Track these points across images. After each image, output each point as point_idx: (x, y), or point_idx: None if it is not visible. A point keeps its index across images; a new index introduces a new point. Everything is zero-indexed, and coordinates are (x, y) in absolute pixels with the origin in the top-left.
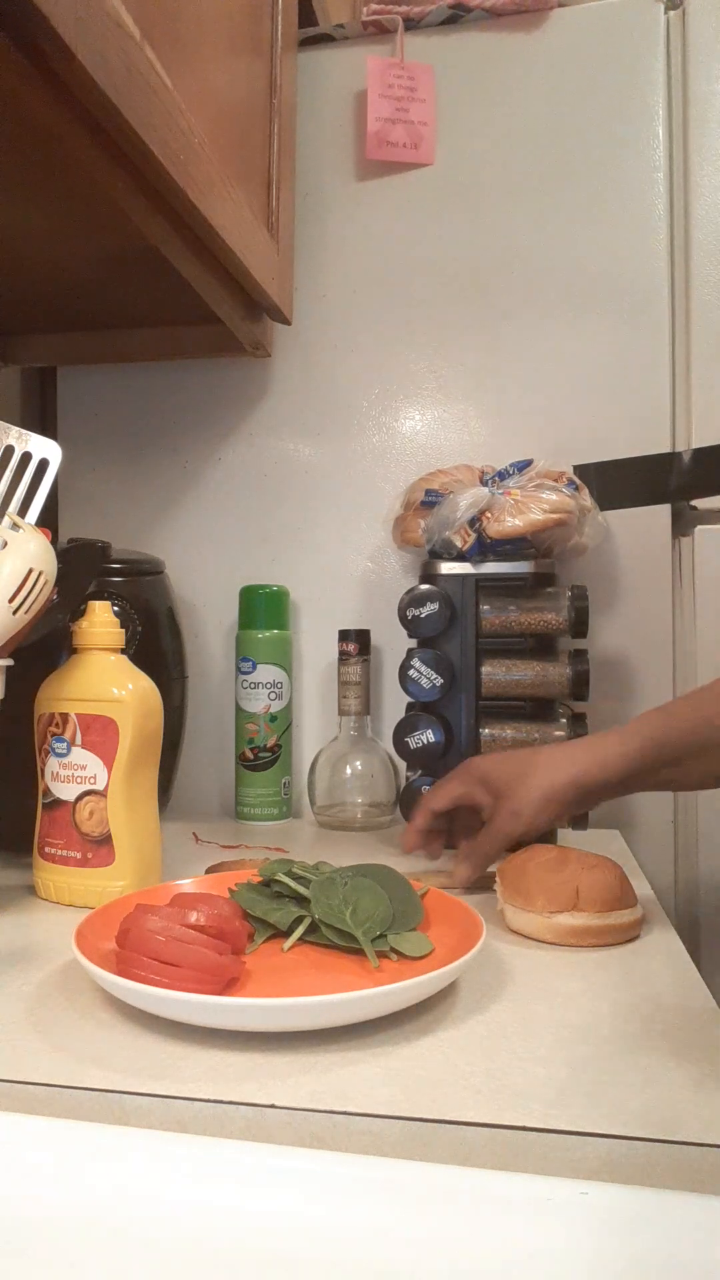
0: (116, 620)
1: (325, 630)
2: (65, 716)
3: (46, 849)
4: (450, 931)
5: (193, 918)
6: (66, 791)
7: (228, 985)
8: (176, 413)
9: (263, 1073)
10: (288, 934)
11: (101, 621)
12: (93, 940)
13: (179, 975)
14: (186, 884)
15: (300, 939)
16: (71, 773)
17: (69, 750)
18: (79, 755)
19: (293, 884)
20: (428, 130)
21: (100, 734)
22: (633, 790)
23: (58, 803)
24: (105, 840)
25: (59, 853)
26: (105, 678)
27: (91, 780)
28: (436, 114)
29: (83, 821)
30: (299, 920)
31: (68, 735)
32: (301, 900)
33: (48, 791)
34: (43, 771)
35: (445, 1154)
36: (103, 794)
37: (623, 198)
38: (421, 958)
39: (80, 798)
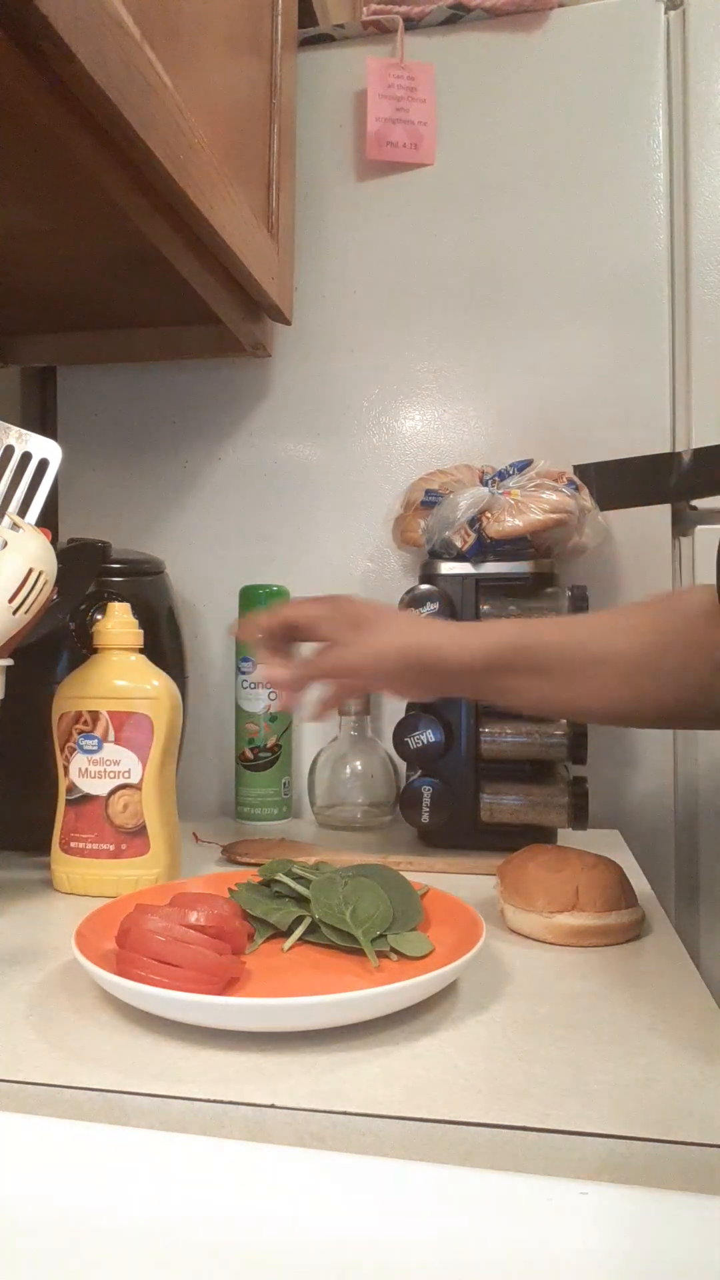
0: (135, 621)
1: None
2: (95, 714)
3: (73, 844)
4: (450, 931)
5: (193, 918)
6: (98, 787)
7: (227, 985)
8: (176, 413)
9: (263, 1073)
10: (288, 934)
11: (123, 622)
12: (93, 940)
13: (179, 975)
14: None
15: (300, 939)
16: (103, 768)
17: (100, 746)
18: (112, 751)
19: (293, 884)
20: (428, 130)
21: (135, 730)
22: (481, 692)
23: (87, 798)
24: (140, 831)
25: (90, 846)
26: (136, 675)
27: (125, 774)
28: (436, 114)
29: (116, 814)
30: (299, 920)
31: (98, 732)
32: (301, 900)
33: (74, 788)
34: (66, 769)
35: (445, 1154)
36: (137, 787)
37: (623, 198)
38: (421, 958)
39: (113, 792)
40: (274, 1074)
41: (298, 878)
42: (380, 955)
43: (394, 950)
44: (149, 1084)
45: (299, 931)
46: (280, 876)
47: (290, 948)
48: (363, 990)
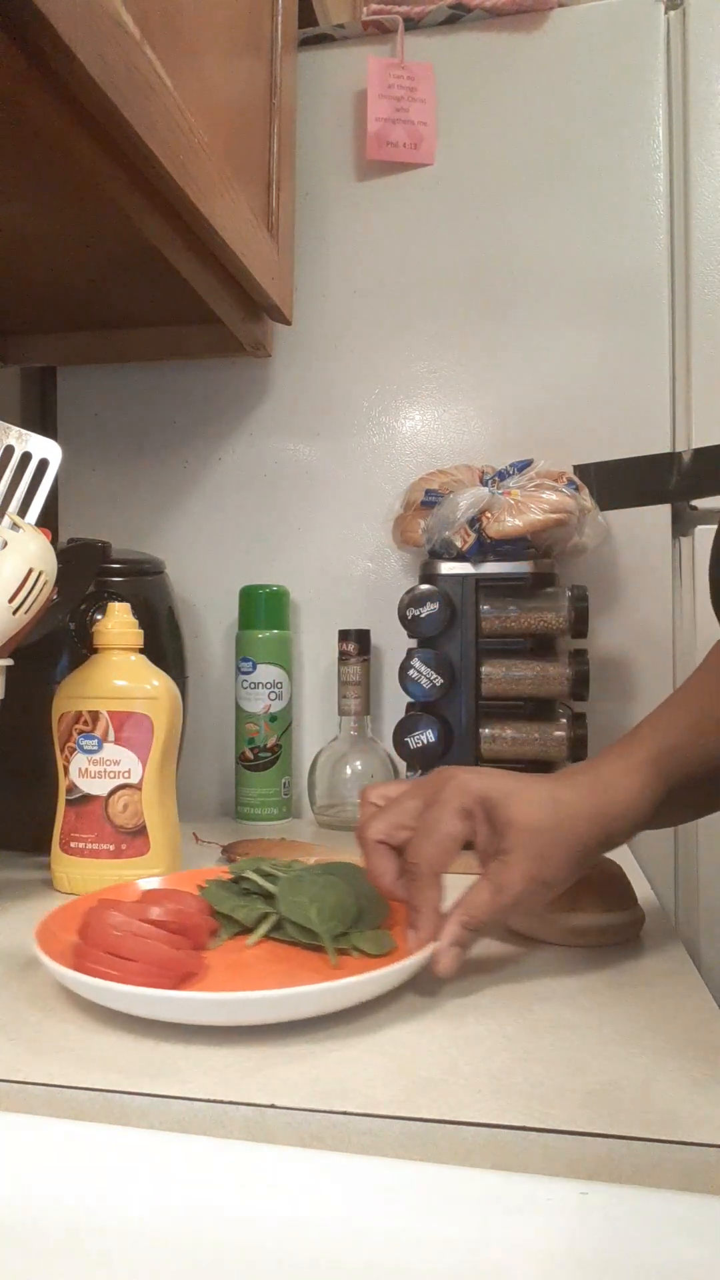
0: (135, 621)
1: (325, 630)
2: (95, 714)
3: (73, 844)
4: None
5: (154, 913)
6: (97, 787)
7: (183, 980)
8: (176, 413)
9: (262, 1073)
10: (253, 930)
11: (123, 622)
12: (60, 935)
13: (132, 970)
14: (154, 882)
15: (267, 936)
16: (103, 768)
17: (100, 747)
18: (112, 751)
19: (261, 881)
20: (428, 130)
21: (134, 729)
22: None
23: (87, 798)
24: (140, 831)
25: (89, 846)
26: (136, 675)
27: (125, 775)
28: (436, 114)
29: (116, 814)
30: (265, 917)
31: (98, 732)
32: (269, 898)
33: (74, 788)
34: (66, 769)
35: (445, 1154)
36: (137, 787)
37: (623, 198)
38: (382, 955)
39: (113, 792)
40: (273, 1074)
41: (266, 875)
42: (342, 952)
43: (355, 948)
44: (149, 1084)
45: (264, 928)
46: (249, 874)
47: (255, 944)
48: (295, 988)
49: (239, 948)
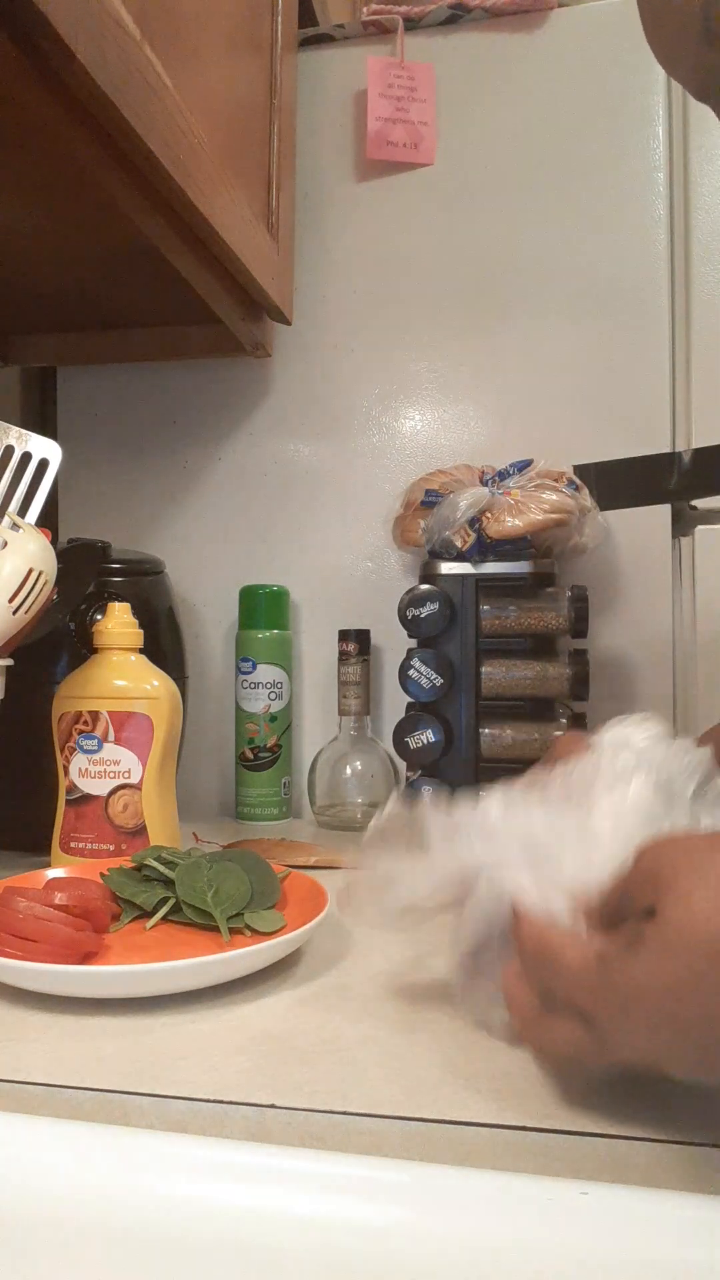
0: (135, 621)
1: (325, 630)
2: (95, 714)
3: (73, 844)
4: (305, 909)
5: (57, 899)
6: (98, 787)
7: (84, 959)
8: (176, 413)
9: (262, 1073)
10: (153, 914)
11: (123, 622)
12: None
13: (35, 949)
14: (60, 871)
15: (166, 919)
16: (103, 768)
17: (100, 747)
18: (112, 751)
19: (161, 868)
20: (428, 130)
21: (135, 730)
22: None
23: (87, 798)
24: (140, 831)
25: (89, 846)
26: (136, 675)
27: (125, 775)
28: (436, 114)
29: (116, 814)
30: (164, 901)
31: (98, 732)
32: (169, 883)
33: (74, 788)
34: (66, 769)
35: (445, 1154)
36: (137, 787)
37: (622, 198)
38: (273, 933)
39: (113, 792)
40: (274, 1074)
41: (166, 862)
42: (236, 931)
43: (248, 927)
44: (149, 1084)
45: (163, 911)
46: (150, 861)
47: (154, 926)
48: (183, 960)
49: (139, 930)
